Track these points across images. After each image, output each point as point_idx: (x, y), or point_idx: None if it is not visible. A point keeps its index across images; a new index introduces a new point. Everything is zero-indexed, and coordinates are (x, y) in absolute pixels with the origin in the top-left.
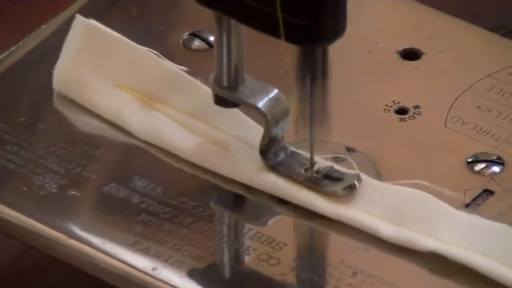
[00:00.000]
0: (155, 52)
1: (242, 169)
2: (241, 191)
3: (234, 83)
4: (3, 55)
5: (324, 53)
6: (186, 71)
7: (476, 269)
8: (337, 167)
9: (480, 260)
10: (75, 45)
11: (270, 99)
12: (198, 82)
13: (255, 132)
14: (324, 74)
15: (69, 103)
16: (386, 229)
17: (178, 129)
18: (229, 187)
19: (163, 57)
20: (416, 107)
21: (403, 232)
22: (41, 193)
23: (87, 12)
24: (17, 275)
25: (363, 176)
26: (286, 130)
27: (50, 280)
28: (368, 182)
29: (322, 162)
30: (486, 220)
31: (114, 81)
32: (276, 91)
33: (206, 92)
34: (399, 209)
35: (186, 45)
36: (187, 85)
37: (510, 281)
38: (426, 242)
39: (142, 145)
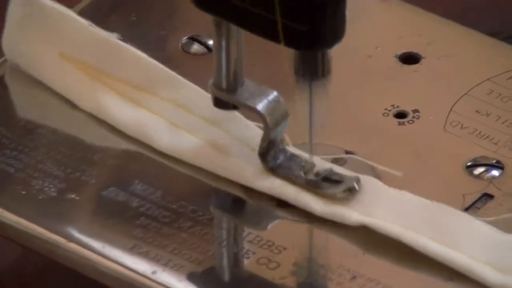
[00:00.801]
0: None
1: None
2: (240, 194)
3: (233, 86)
4: (3, 58)
5: (324, 57)
6: (183, 75)
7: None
8: (336, 169)
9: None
10: (19, 15)
11: (269, 102)
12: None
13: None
14: (323, 78)
15: (69, 107)
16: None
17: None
18: (229, 191)
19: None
20: (415, 111)
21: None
22: (40, 197)
23: (86, 16)
24: (17, 279)
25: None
26: (286, 134)
27: (50, 285)
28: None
29: (321, 164)
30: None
31: (59, 51)
32: (275, 93)
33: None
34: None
35: (185, 49)
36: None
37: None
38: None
39: (141, 150)
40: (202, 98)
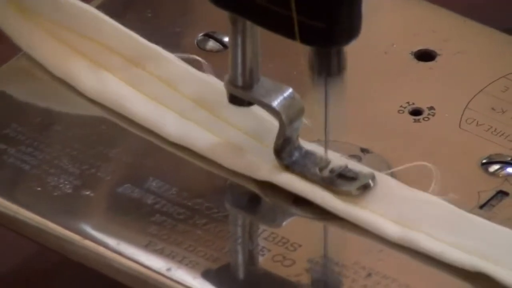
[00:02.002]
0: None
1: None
2: (255, 191)
3: (249, 83)
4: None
5: (339, 54)
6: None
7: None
8: (351, 166)
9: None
10: None
11: (284, 99)
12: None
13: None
14: (339, 75)
15: (84, 104)
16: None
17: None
18: (244, 188)
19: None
20: (431, 108)
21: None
22: (55, 194)
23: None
24: (32, 276)
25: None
26: (301, 131)
27: (64, 282)
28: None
29: (336, 161)
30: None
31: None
32: (290, 90)
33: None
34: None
35: (201, 46)
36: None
37: None
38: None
39: (157, 146)
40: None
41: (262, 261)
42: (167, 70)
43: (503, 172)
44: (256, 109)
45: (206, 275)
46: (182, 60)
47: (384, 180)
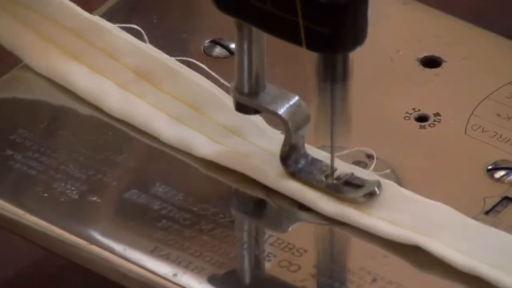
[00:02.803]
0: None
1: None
2: (261, 197)
3: (255, 90)
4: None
5: (345, 61)
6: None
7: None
8: (357, 173)
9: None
10: None
11: (291, 106)
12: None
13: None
14: (345, 81)
15: (90, 109)
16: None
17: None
18: (250, 193)
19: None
20: (436, 114)
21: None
22: (62, 199)
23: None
24: (38, 281)
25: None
26: (306, 137)
27: (71, 287)
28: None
29: (343, 168)
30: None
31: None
32: (297, 98)
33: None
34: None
35: (207, 52)
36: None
37: None
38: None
39: (163, 151)
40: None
41: (268, 266)
42: (110, 41)
43: (509, 178)
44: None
45: (212, 280)
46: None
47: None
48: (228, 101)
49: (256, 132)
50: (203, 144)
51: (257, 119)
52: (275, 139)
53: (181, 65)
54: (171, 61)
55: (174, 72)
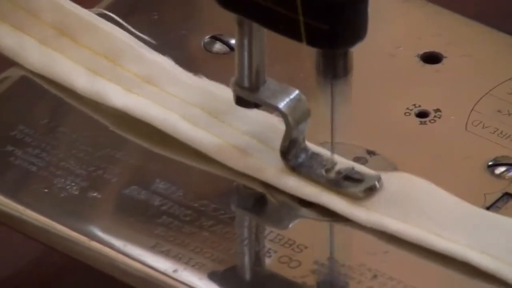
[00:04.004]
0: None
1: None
2: (262, 193)
3: (255, 85)
4: None
5: (345, 57)
6: (205, 74)
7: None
8: (358, 168)
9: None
10: None
11: (291, 100)
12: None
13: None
14: (345, 77)
15: (91, 105)
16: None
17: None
18: (250, 189)
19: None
20: (437, 110)
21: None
22: (62, 195)
23: (107, 15)
24: (38, 277)
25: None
26: (307, 133)
27: (71, 283)
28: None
29: (343, 162)
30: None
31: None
32: (297, 92)
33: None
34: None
35: (207, 48)
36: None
37: None
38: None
39: (163, 148)
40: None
41: (268, 262)
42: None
43: (509, 174)
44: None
45: (213, 276)
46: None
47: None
48: (145, 51)
49: (172, 81)
50: (118, 94)
51: (174, 68)
52: (191, 85)
53: (101, 19)
54: (91, 16)
55: (93, 26)
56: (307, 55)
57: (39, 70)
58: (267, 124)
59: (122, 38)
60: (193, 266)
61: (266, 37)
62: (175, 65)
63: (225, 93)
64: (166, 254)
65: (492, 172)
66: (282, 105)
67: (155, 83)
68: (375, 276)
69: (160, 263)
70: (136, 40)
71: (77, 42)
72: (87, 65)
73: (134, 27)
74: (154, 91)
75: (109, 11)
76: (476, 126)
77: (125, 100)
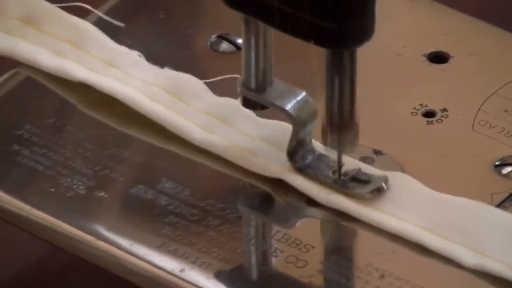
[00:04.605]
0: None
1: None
2: (268, 192)
3: (262, 86)
4: None
5: (352, 56)
6: (212, 74)
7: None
8: (365, 169)
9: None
10: None
11: (298, 102)
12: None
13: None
14: (352, 77)
15: (97, 105)
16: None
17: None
18: (257, 189)
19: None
20: (444, 110)
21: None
22: (68, 195)
23: (114, 14)
24: (44, 276)
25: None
26: (314, 133)
27: (77, 282)
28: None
29: (350, 163)
30: None
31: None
32: (304, 93)
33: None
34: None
35: (214, 48)
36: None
37: None
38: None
39: (170, 147)
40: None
41: (275, 262)
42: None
43: None
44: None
45: (219, 276)
46: None
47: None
48: (106, 39)
49: (134, 63)
50: (82, 70)
51: (138, 57)
52: (153, 70)
53: (66, 13)
54: (56, 10)
55: (58, 17)
56: (314, 55)
57: (1, 53)
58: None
59: (87, 28)
60: (200, 265)
61: (274, 37)
62: (139, 56)
63: (190, 79)
64: (173, 253)
65: (499, 172)
66: (289, 106)
67: (118, 66)
68: (382, 276)
69: (167, 263)
70: (96, 29)
71: (41, 30)
72: (52, 48)
73: (140, 26)
74: (118, 73)
75: (116, 10)
76: (483, 126)
77: (89, 75)
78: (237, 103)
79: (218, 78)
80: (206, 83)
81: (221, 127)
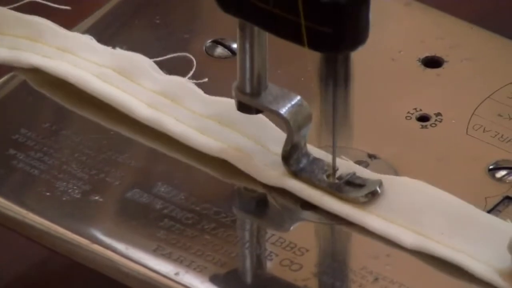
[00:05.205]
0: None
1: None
2: (263, 196)
3: (257, 90)
4: None
5: (347, 60)
6: (207, 79)
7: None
8: (360, 172)
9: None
10: None
11: (292, 106)
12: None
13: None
14: (346, 81)
15: (93, 109)
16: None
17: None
18: (252, 193)
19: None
20: (438, 114)
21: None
22: (64, 199)
23: (110, 19)
24: (41, 280)
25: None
26: (309, 137)
27: (73, 286)
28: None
29: (345, 166)
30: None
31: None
32: (298, 97)
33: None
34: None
35: (209, 53)
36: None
37: None
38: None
39: (165, 152)
40: (89, 46)
41: (270, 265)
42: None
43: (510, 178)
44: (262, 116)
45: (214, 279)
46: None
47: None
48: (59, 28)
49: (86, 47)
50: (34, 58)
51: (85, 38)
52: (104, 52)
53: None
54: (10, 11)
55: (13, 16)
56: (309, 59)
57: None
58: (221, 103)
59: (40, 22)
60: (194, 269)
61: (268, 41)
62: (91, 39)
63: (141, 58)
64: (168, 257)
65: (493, 176)
66: (283, 110)
67: (71, 51)
68: (376, 280)
69: (162, 266)
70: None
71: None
72: (8, 45)
73: (136, 31)
74: (71, 57)
75: (112, 15)
76: (477, 130)
77: (42, 60)
78: (185, 80)
79: (168, 56)
80: (156, 62)
81: (169, 105)
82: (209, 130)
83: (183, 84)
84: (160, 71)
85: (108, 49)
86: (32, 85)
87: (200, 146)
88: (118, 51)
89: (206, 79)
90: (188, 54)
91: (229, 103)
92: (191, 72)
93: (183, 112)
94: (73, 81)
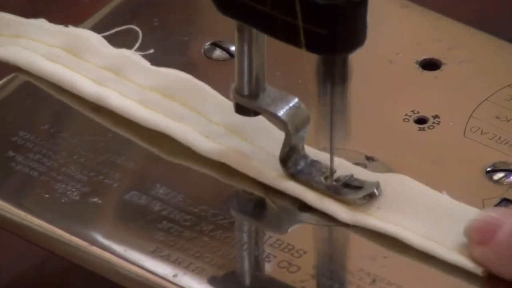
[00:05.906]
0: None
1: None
2: (261, 198)
3: (255, 92)
4: None
5: (344, 63)
6: (205, 81)
7: None
8: (357, 174)
9: None
10: None
11: (290, 108)
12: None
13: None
14: (344, 83)
15: (91, 111)
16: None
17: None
18: (250, 195)
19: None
20: (436, 116)
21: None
22: (63, 201)
23: (108, 21)
24: (40, 282)
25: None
26: (306, 139)
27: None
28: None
29: (343, 167)
30: None
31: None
32: (296, 100)
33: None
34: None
35: (207, 55)
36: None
37: None
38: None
39: (164, 154)
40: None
41: (268, 267)
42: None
43: (508, 180)
44: (260, 118)
45: (212, 281)
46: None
47: (389, 184)
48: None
49: (37, 29)
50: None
51: (37, 22)
52: (49, 30)
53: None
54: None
55: (3, 18)
56: (306, 61)
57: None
58: (166, 75)
59: (32, 22)
60: (193, 271)
61: (266, 44)
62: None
63: (89, 34)
64: (166, 258)
65: (491, 178)
66: (281, 113)
67: (25, 36)
68: (374, 281)
69: (160, 268)
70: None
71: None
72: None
73: (134, 34)
74: (24, 41)
75: (111, 17)
76: (474, 132)
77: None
78: (130, 53)
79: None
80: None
81: (114, 80)
82: (151, 103)
83: (129, 58)
84: (109, 46)
85: (61, 28)
86: (30, 87)
87: (143, 121)
88: (69, 29)
89: (152, 50)
90: (134, 27)
91: (172, 74)
92: (137, 44)
93: (127, 85)
94: (21, 64)
